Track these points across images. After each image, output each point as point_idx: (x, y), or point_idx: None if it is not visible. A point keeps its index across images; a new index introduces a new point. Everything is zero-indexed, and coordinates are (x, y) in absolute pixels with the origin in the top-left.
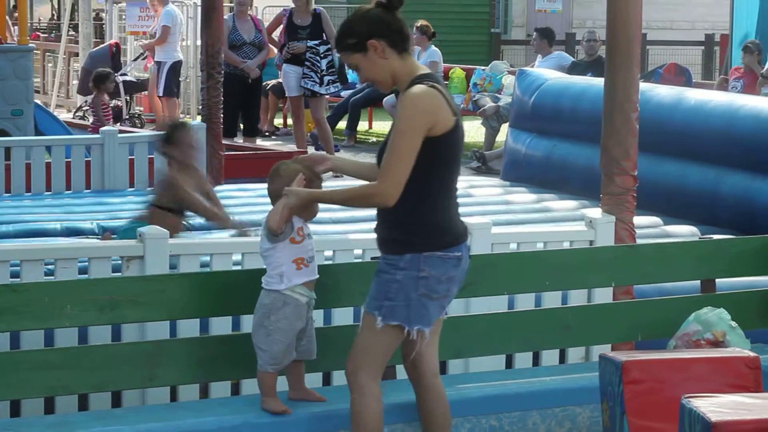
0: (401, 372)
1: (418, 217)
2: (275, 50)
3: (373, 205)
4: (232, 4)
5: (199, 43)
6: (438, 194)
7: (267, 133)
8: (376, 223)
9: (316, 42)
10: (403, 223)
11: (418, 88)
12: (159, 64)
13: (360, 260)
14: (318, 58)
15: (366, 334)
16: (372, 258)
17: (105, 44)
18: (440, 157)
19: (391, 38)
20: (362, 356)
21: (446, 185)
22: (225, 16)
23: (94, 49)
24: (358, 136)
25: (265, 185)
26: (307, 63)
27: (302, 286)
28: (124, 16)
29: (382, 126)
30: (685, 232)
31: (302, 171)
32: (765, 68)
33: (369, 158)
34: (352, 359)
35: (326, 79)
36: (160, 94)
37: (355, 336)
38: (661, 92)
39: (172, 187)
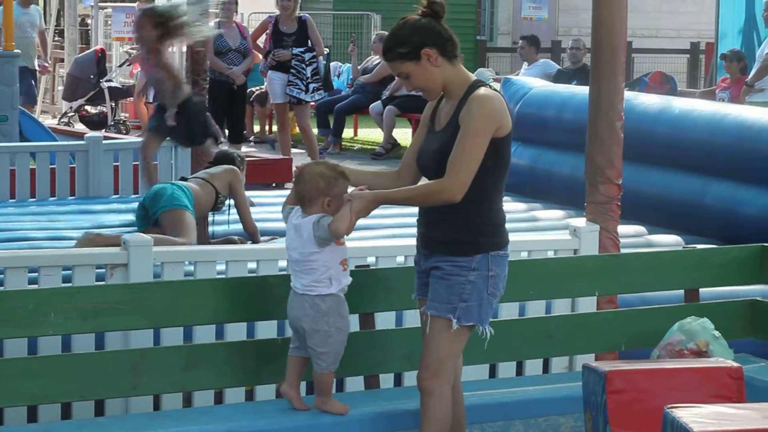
0: (384, 381)
1: (486, 218)
2: (260, 56)
3: (440, 201)
4: (217, 11)
5: (184, 49)
6: (499, 194)
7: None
8: (429, 225)
9: (302, 49)
10: (471, 224)
11: (485, 90)
12: None
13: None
14: (303, 65)
15: (439, 339)
16: (357, 266)
17: (90, 50)
18: (503, 158)
19: (443, 47)
20: (438, 362)
21: (502, 186)
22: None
23: (80, 55)
24: (343, 143)
25: (252, 192)
26: (292, 70)
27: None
28: (110, 22)
29: (367, 133)
30: (669, 241)
31: (325, 171)
32: (749, 77)
33: (354, 165)
34: (428, 367)
35: (311, 86)
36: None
37: (425, 346)
38: (646, 101)
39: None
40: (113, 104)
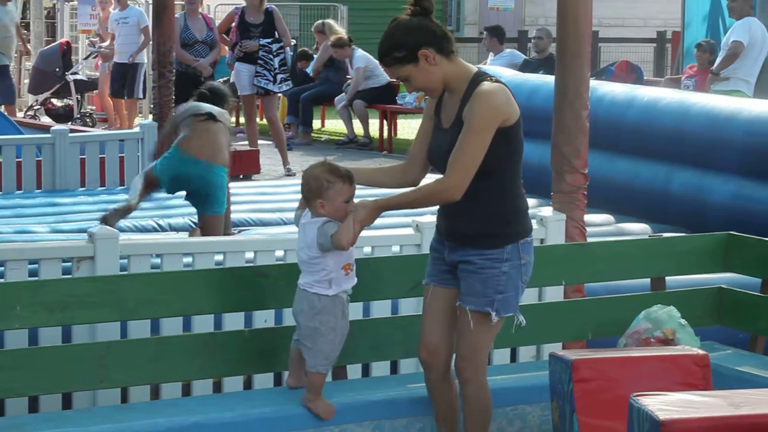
0: (351, 371)
1: (509, 207)
2: (227, 48)
3: (441, 201)
4: (183, 3)
5: (151, 42)
6: (519, 182)
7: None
8: (452, 217)
9: (269, 40)
10: (496, 215)
11: (488, 85)
12: (136, 66)
13: None
14: (271, 56)
15: (476, 331)
16: None
17: (56, 43)
18: (516, 146)
19: (439, 44)
20: (477, 355)
21: (520, 172)
22: (176, 15)
23: (45, 48)
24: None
25: None
26: (260, 61)
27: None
28: (75, 15)
29: (334, 124)
30: (637, 229)
31: (319, 174)
32: (714, 65)
33: (320, 156)
34: (470, 361)
35: (279, 77)
36: (141, 96)
37: (460, 338)
38: (614, 90)
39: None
40: (79, 97)
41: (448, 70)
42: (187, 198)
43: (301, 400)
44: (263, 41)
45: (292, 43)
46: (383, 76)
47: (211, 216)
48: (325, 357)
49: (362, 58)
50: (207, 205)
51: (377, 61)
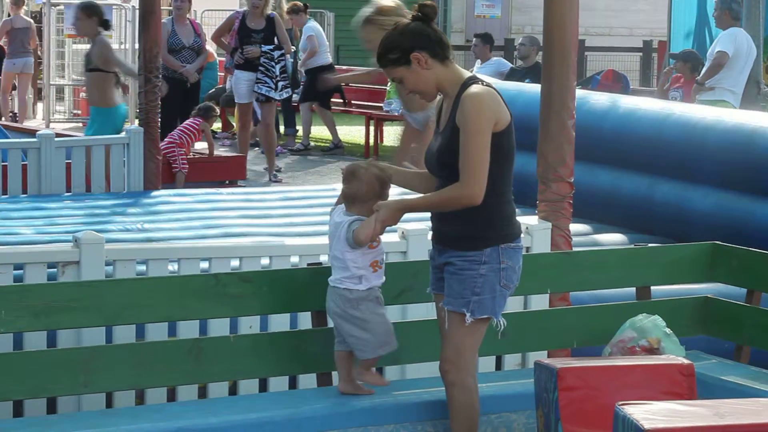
0: (336, 378)
1: (492, 212)
2: (214, 54)
3: (462, 206)
4: (170, 8)
5: (137, 46)
6: (506, 187)
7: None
8: (440, 221)
9: (270, 47)
10: (478, 218)
11: (476, 88)
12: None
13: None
14: (272, 63)
15: (457, 333)
16: (309, 264)
17: None
18: (504, 151)
19: (432, 49)
20: (456, 354)
21: (509, 178)
22: (164, 20)
23: None
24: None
25: (203, 191)
26: (261, 68)
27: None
28: (62, 19)
29: (319, 131)
30: (613, 240)
31: (381, 175)
32: (700, 75)
33: (308, 163)
34: (447, 359)
35: (280, 84)
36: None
37: (444, 340)
38: (593, 99)
39: None
40: None
41: (442, 75)
42: None
43: (354, 374)
44: (265, 48)
45: (292, 50)
46: (326, 55)
47: None
48: (377, 343)
49: (313, 27)
50: None
51: (324, 37)
